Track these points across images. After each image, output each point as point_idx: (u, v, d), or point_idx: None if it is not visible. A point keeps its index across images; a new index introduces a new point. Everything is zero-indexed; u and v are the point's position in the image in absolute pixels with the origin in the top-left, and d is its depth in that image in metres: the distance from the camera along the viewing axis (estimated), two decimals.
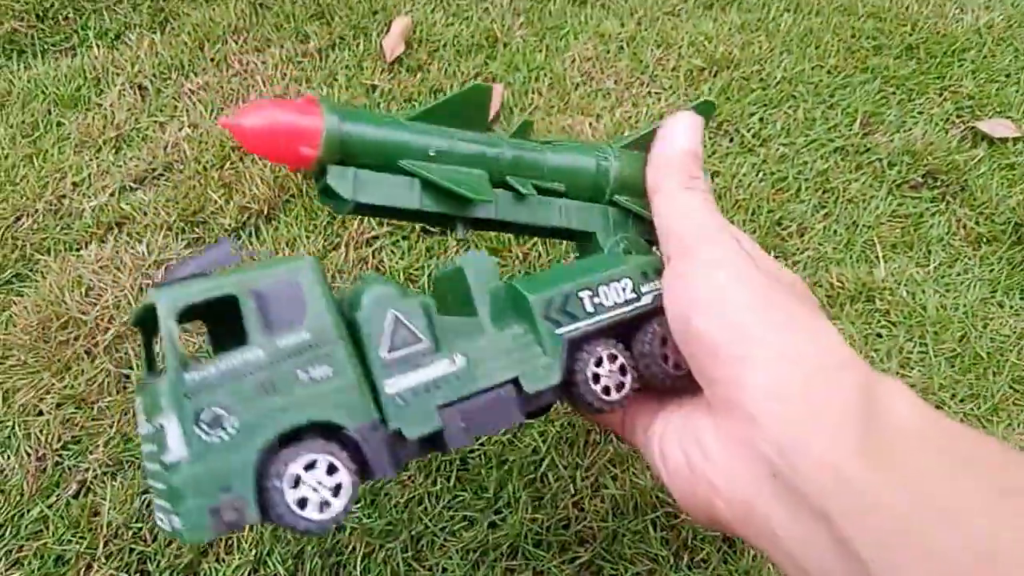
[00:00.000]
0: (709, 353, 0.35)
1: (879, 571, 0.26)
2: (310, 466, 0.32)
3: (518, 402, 0.39)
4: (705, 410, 0.37)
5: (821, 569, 0.29)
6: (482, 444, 0.78)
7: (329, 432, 0.34)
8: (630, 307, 0.43)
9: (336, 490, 0.33)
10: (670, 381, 0.42)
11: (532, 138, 0.46)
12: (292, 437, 0.33)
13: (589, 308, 0.41)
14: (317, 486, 0.33)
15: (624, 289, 0.42)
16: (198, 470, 0.30)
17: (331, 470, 0.33)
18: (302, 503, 0.32)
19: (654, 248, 0.47)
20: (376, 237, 0.92)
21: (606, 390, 0.41)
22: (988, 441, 0.29)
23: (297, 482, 0.32)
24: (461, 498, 0.75)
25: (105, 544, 0.71)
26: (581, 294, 0.41)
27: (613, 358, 0.42)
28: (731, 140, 1.06)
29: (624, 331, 0.43)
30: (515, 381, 0.39)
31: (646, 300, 0.43)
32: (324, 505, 0.32)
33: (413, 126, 0.41)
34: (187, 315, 0.33)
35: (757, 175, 1.02)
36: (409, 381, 0.37)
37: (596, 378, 0.41)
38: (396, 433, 0.36)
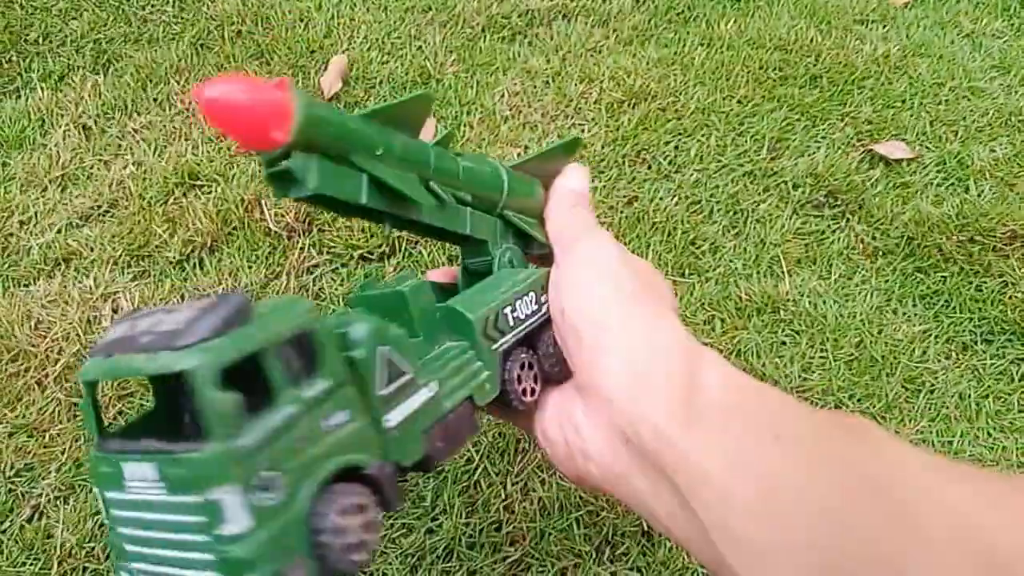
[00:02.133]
0: (575, 340, 0.42)
1: (705, 515, 0.33)
2: (345, 511, 0.33)
3: (472, 415, 0.43)
4: (575, 391, 0.44)
5: (669, 515, 0.36)
6: None
7: (349, 474, 0.34)
8: (536, 317, 0.48)
9: (367, 527, 0.33)
10: (565, 377, 0.48)
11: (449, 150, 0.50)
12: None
13: (511, 323, 0.46)
14: (355, 528, 0.33)
15: (531, 302, 0.48)
16: (262, 537, 0.30)
17: (361, 510, 0.34)
18: (348, 548, 0.32)
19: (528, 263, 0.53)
20: (316, 265, 0.98)
21: (524, 392, 0.46)
22: (770, 395, 0.36)
23: (339, 529, 0.32)
24: (400, 508, 0.80)
25: (59, 564, 0.75)
26: (505, 310, 0.45)
27: (530, 365, 0.47)
28: (649, 167, 1.14)
29: (526, 337, 0.49)
30: (470, 398, 0.43)
31: (545, 309, 0.49)
32: (362, 544, 0.33)
33: (367, 123, 0.40)
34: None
35: (673, 199, 1.09)
36: (401, 413, 0.38)
37: (519, 380, 0.46)
38: (396, 464, 0.37)
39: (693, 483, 0.33)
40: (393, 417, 0.37)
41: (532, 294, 0.48)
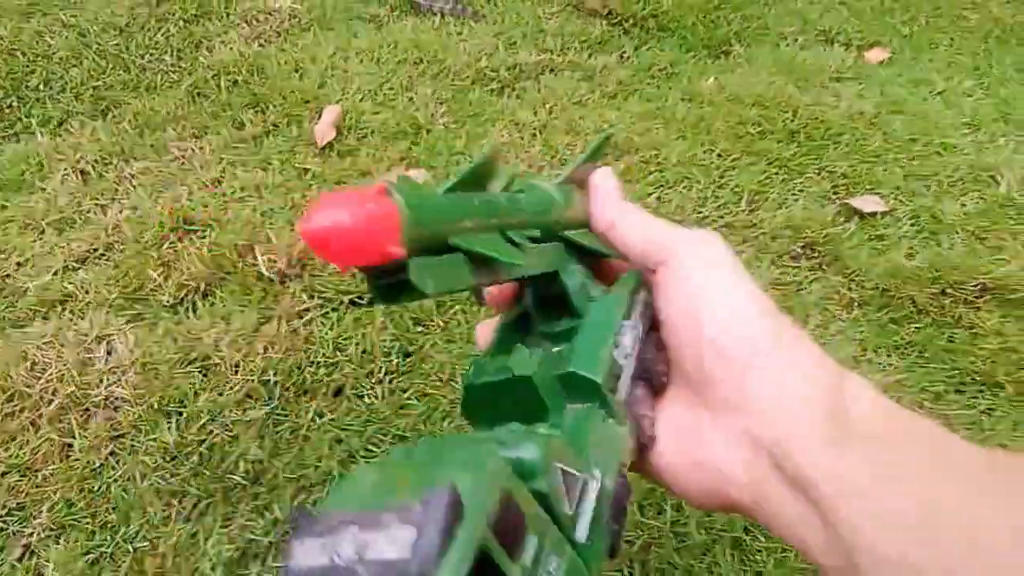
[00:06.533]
0: (719, 358, 0.38)
1: (851, 535, 0.32)
2: None
3: (626, 478, 0.39)
4: (697, 406, 0.39)
5: (816, 543, 0.34)
6: None
7: None
8: (637, 341, 0.42)
9: None
10: (666, 381, 0.43)
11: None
12: None
13: (621, 362, 0.41)
14: None
15: (631, 328, 0.42)
16: None
17: None
18: None
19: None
20: (307, 309, 1.00)
21: (647, 423, 0.41)
22: (923, 421, 0.35)
23: None
24: None
25: None
26: (615, 353, 0.40)
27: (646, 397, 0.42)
28: None
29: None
30: (621, 463, 0.39)
31: (642, 326, 0.42)
32: None
33: (452, 196, 0.37)
34: None
35: None
36: (585, 521, 0.34)
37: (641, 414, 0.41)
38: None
39: (843, 502, 0.33)
40: (581, 529, 0.33)
41: (629, 320, 0.42)
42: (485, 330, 0.48)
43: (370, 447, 0.89)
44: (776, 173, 1.28)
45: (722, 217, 1.19)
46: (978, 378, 1.01)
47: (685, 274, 0.40)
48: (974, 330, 1.06)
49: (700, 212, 1.19)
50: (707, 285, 0.40)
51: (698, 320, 0.39)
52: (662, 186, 1.22)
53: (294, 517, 0.26)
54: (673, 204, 1.19)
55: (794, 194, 1.25)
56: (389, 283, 0.34)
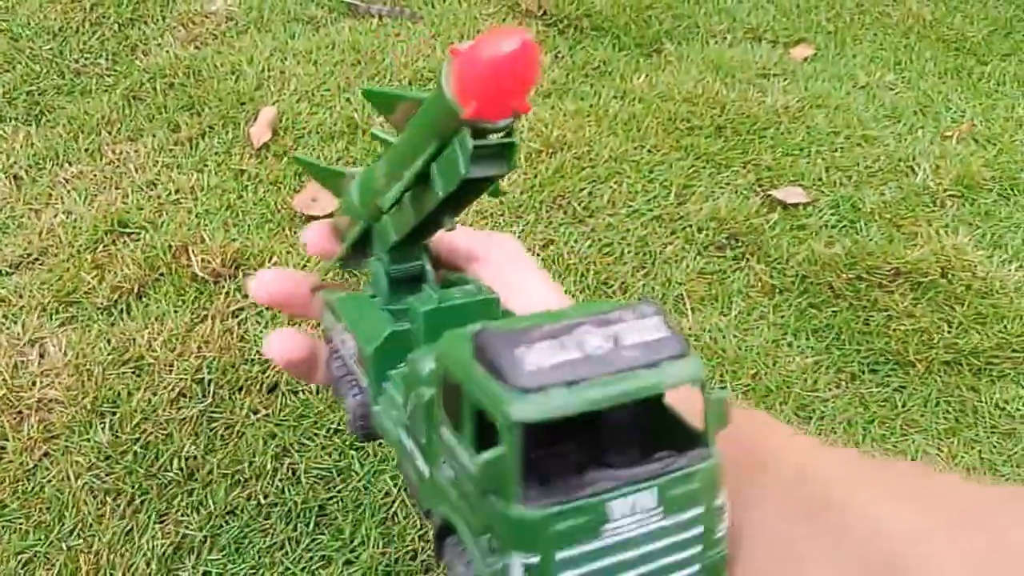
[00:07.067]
0: None
1: None
2: None
3: None
4: None
5: None
6: (339, 490, 0.88)
7: None
8: None
9: None
10: None
11: None
12: None
13: None
14: None
15: None
16: None
17: None
18: None
19: None
20: (241, 308, 1.02)
21: None
22: None
23: None
24: (320, 540, 0.84)
25: None
26: None
27: None
28: (564, 212, 1.21)
29: None
30: None
31: None
32: None
33: None
34: None
35: (587, 242, 1.16)
36: None
37: None
38: None
39: None
40: None
41: None
42: (318, 236, 0.50)
43: (304, 441, 0.91)
44: (704, 167, 1.32)
45: (651, 210, 1.23)
46: (891, 358, 1.06)
47: (493, 265, 0.48)
48: (887, 313, 1.11)
49: (630, 206, 1.23)
50: (511, 274, 0.47)
51: (506, 302, 0.45)
52: (594, 181, 1.26)
53: (486, 334, 0.25)
54: (604, 198, 1.23)
55: (720, 187, 1.30)
56: (486, 146, 0.33)
